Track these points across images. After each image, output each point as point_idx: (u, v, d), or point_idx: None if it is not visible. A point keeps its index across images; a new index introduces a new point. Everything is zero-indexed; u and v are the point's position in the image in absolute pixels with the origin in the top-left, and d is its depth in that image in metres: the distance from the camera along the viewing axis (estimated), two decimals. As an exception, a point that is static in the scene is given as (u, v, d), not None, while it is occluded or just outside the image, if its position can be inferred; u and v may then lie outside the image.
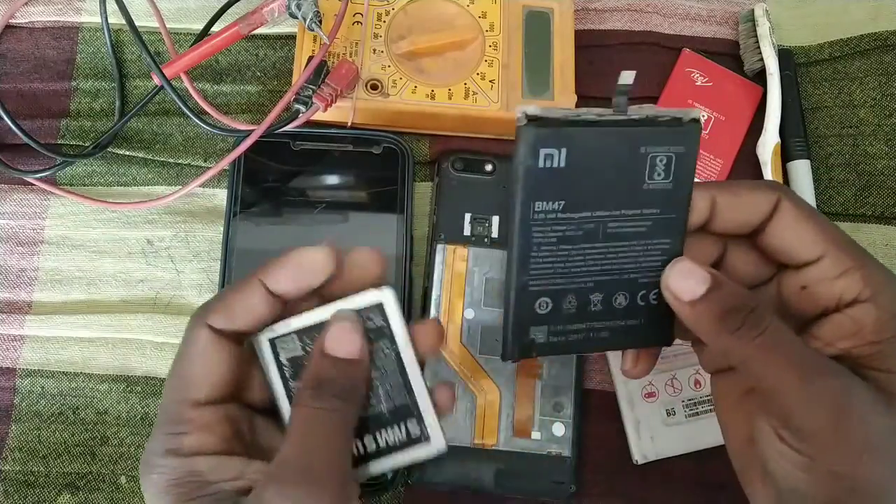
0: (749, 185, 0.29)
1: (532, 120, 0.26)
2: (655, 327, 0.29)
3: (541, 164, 0.26)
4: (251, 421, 0.29)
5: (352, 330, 0.28)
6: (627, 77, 0.26)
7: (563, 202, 0.27)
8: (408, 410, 0.29)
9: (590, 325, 0.28)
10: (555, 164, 0.26)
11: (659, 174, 0.27)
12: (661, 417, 0.40)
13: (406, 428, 0.29)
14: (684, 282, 0.27)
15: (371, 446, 0.29)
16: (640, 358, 0.31)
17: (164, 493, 0.26)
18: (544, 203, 0.26)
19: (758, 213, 0.28)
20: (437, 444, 0.29)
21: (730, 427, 0.30)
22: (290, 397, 0.29)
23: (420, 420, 0.29)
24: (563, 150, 0.26)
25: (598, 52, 0.46)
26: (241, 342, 0.29)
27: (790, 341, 0.26)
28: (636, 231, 0.27)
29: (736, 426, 0.29)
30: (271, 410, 0.29)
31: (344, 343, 0.27)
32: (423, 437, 0.29)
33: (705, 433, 0.39)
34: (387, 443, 0.29)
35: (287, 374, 0.29)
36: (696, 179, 0.28)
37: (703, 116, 0.45)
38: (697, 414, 0.40)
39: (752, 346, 0.26)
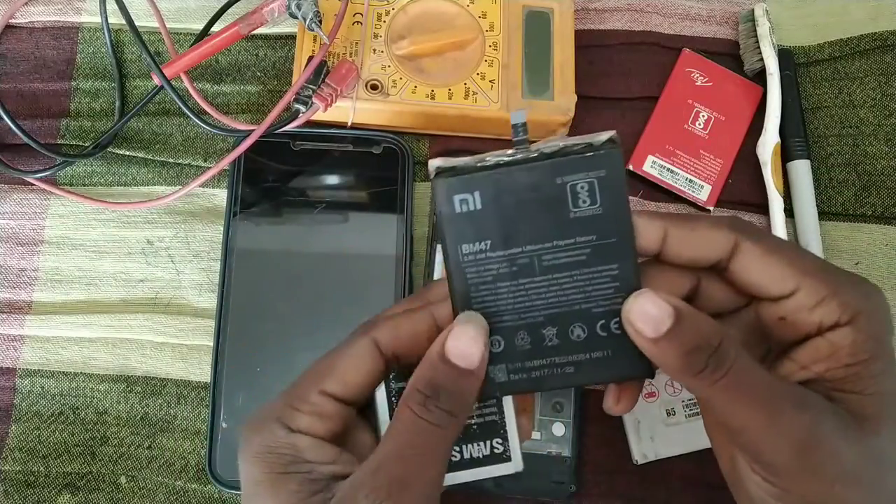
0: (707, 221, 0.28)
1: (441, 172, 0.27)
2: (628, 358, 0.28)
3: (458, 209, 0.27)
4: (355, 419, 0.29)
5: (477, 335, 0.26)
6: (518, 116, 0.27)
7: (489, 241, 0.27)
8: (496, 428, 0.29)
9: (551, 361, 0.28)
10: (472, 208, 0.27)
11: (584, 201, 0.27)
12: (661, 417, 0.40)
13: (491, 444, 0.29)
14: (646, 316, 0.26)
15: (455, 457, 0.29)
16: (623, 395, 0.30)
17: (258, 456, 0.26)
18: (471, 245, 0.27)
19: (715, 252, 0.27)
20: (516, 464, 0.29)
21: (716, 446, 0.30)
22: (388, 394, 0.29)
23: (505, 439, 0.29)
24: (477, 193, 0.27)
25: (598, 52, 0.46)
26: (392, 365, 0.28)
27: (756, 379, 0.25)
28: (575, 260, 0.27)
29: (722, 446, 0.29)
30: (368, 404, 0.29)
31: (467, 349, 0.26)
32: (505, 457, 0.29)
33: (705, 433, 0.39)
34: (471, 455, 0.29)
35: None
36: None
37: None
38: (697, 414, 0.40)
39: (716, 388, 0.25)
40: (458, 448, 0.29)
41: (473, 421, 0.29)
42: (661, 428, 0.39)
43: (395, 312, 0.29)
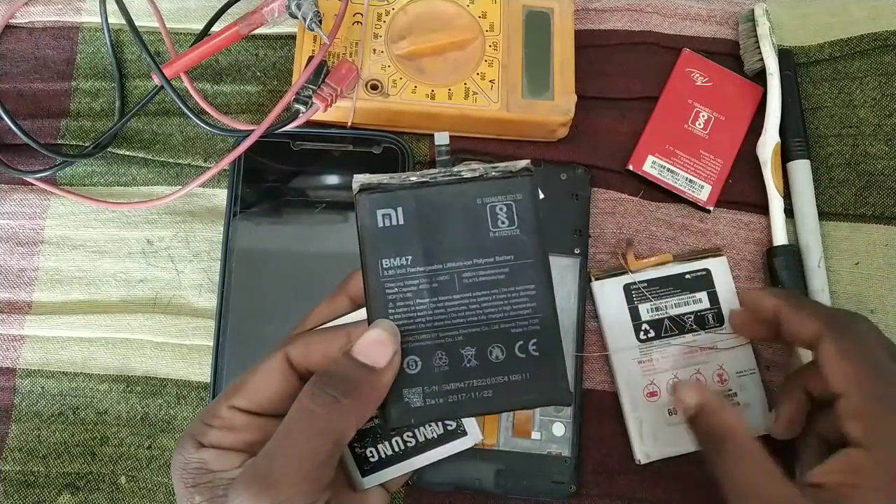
0: (810, 308, 0.34)
1: (366, 188, 0.28)
2: (545, 382, 0.28)
3: (380, 223, 0.28)
4: None
5: (386, 340, 0.27)
6: (441, 138, 0.29)
7: (409, 257, 0.28)
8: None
9: (468, 384, 0.27)
10: (394, 223, 0.28)
11: (503, 222, 0.28)
12: (664, 417, 0.40)
13: (443, 423, 0.30)
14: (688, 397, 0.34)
15: (410, 442, 0.30)
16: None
17: (176, 473, 0.28)
18: (391, 259, 0.28)
19: (806, 336, 0.33)
20: (473, 437, 0.30)
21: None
22: None
23: None
24: (399, 209, 0.28)
25: (598, 52, 0.46)
26: (306, 378, 0.29)
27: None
28: (494, 279, 0.28)
29: None
30: None
31: (373, 350, 0.27)
32: (460, 431, 0.30)
33: None
34: (426, 437, 0.30)
35: None
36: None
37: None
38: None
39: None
40: (411, 433, 0.30)
41: None
42: (663, 428, 0.39)
43: (311, 332, 0.30)
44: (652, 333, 0.40)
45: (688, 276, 0.41)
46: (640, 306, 0.41)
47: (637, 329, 0.41)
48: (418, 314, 0.28)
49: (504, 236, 0.28)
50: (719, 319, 0.41)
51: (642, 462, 0.39)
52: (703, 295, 0.41)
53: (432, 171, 0.28)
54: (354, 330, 0.29)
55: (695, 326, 0.41)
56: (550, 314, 0.28)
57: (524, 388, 0.28)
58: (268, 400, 0.29)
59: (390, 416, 0.27)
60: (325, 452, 0.26)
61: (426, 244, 0.28)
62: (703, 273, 0.41)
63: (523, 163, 0.28)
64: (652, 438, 0.39)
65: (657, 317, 0.40)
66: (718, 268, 0.42)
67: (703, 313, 0.41)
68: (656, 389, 0.40)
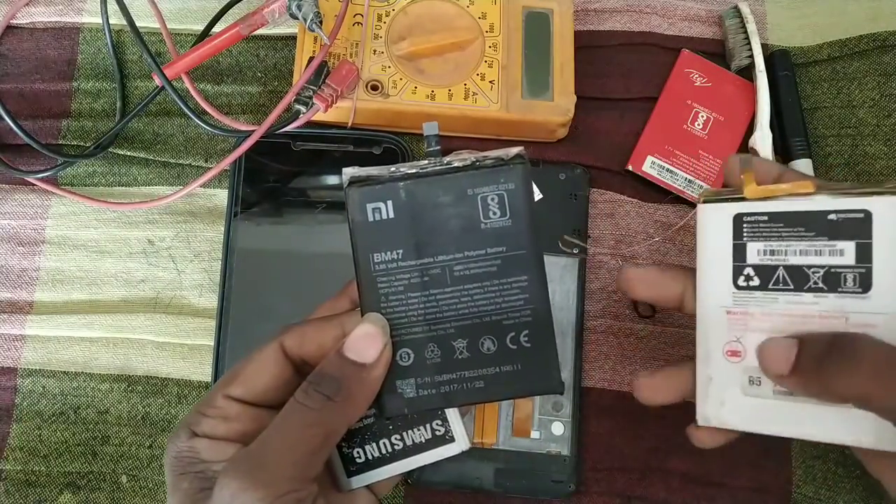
0: None
1: (355, 181, 0.27)
2: (537, 372, 0.28)
3: (370, 218, 0.27)
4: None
5: (375, 335, 0.27)
6: (430, 128, 0.28)
7: (400, 251, 0.27)
8: (433, 411, 0.30)
9: (461, 375, 0.28)
10: (384, 217, 0.27)
11: (494, 213, 0.27)
12: (741, 384, 0.31)
13: (431, 427, 0.30)
14: (779, 357, 0.28)
15: (398, 445, 0.30)
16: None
17: (167, 462, 0.28)
18: (382, 254, 0.27)
19: None
20: (461, 443, 0.30)
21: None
22: None
23: (444, 420, 0.30)
24: (389, 202, 0.27)
25: (597, 52, 0.46)
26: (301, 368, 0.30)
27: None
28: (485, 271, 0.28)
29: None
30: None
31: (362, 347, 0.27)
32: (448, 437, 0.30)
33: (798, 420, 0.30)
34: (413, 441, 0.30)
35: None
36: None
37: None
38: (793, 394, 0.30)
39: (856, 372, 0.27)
40: (399, 436, 0.30)
41: None
42: (736, 395, 0.31)
43: (306, 322, 0.30)
44: (756, 281, 0.31)
45: (833, 217, 0.29)
46: (749, 244, 0.31)
47: (737, 272, 0.31)
48: (410, 307, 0.28)
49: (496, 227, 0.28)
50: (864, 284, 0.29)
51: (699, 424, 0.32)
52: (848, 245, 0.29)
53: (422, 161, 0.28)
54: (348, 320, 0.29)
55: (821, 285, 0.29)
56: (543, 305, 0.28)
57: (515, 378, 0.28)
58: (263, 389, 0.29)
59: (385, 405, 0.28)
60: (316, 444, 0.27)
61: (417, 237, 0.27)
62: (860, 216, 0.29)
63: (516, 150, 0.28)
64: (718, 402, 0.31)
65: (769, 262, 0.31)
66: (887, 211, 0.28)
67: (840, 271, 0.29)
68: (740, 349, 0.31)
